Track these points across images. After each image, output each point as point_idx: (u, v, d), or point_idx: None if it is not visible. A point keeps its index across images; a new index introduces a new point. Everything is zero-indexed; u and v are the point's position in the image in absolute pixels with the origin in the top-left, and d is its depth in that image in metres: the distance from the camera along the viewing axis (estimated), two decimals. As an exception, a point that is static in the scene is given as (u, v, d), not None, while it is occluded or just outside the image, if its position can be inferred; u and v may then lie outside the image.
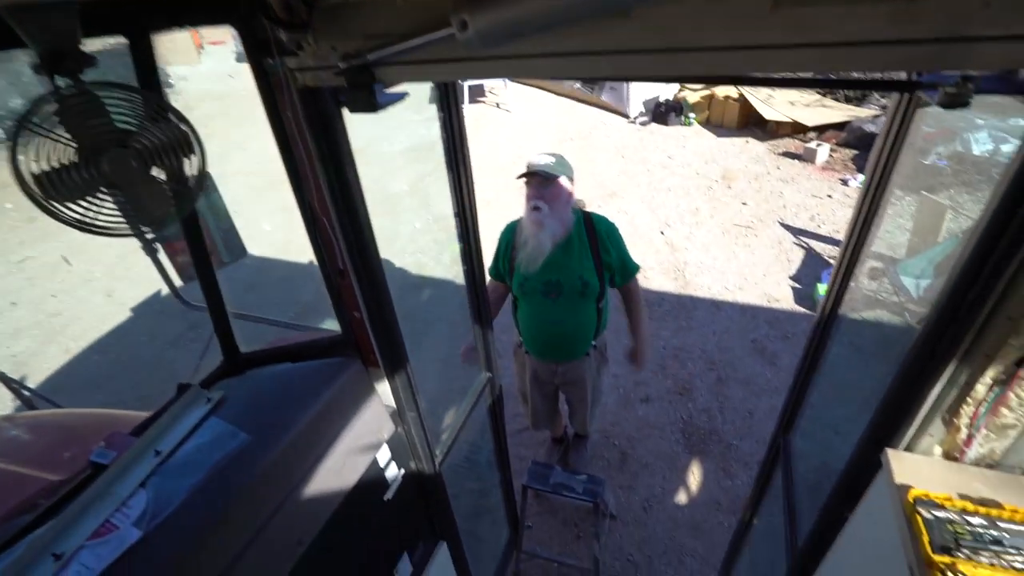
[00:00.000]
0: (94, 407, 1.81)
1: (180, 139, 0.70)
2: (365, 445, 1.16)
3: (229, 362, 1.15)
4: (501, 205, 5.71)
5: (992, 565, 0.65)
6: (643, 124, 7.29)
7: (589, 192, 5.73)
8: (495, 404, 1.79)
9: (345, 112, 0.85)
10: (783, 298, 3.97)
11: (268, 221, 5.45)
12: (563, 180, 1.87)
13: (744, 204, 5.22)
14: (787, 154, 6.11)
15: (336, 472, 1.08)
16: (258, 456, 0.94)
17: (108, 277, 5.19)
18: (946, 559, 0.65)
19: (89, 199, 0.66)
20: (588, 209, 2.06)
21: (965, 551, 0.66)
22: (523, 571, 2.43)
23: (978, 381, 0.74)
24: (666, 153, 6.45)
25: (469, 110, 8.19)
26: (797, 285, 4.08)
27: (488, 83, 8.89)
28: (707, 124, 7.14)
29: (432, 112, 1.27)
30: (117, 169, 0.64)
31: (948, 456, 0.81)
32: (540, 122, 7.75)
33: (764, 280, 4.17)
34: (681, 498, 2.70)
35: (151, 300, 4.71)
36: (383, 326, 1.05)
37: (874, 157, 0.95)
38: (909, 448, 0.81)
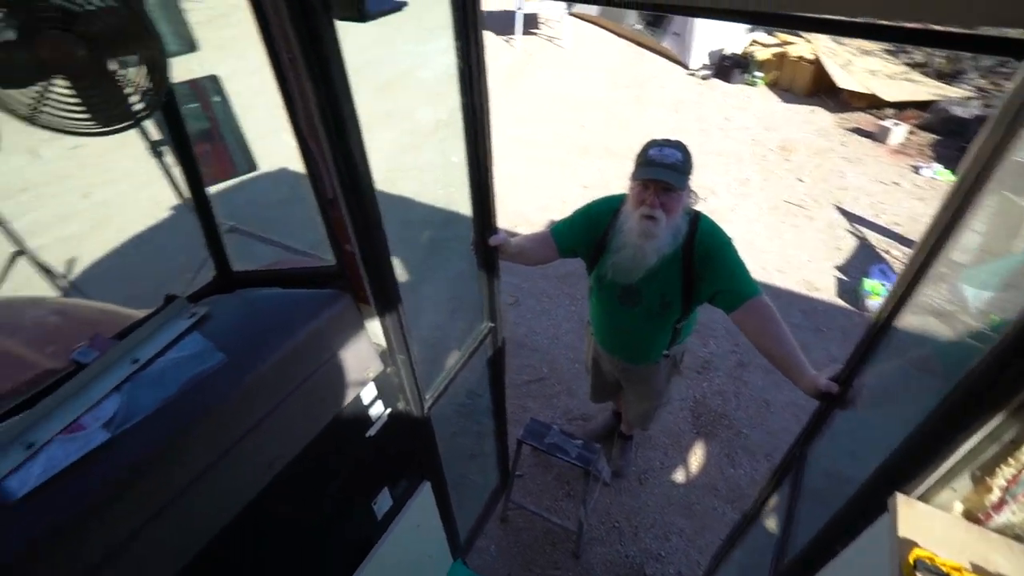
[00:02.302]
0: (119, 302, 1.85)
1: (133, 31, 0.61)
2: (350, 380, 1.12)
3: (220, 279, 1.11)
4: (543, 145, 5.48)
5: None
6: (704, 78, 6.77)
7: (637, 148, 5.42)
8: (496, 355, 1.74)
9: (342, 26, 0.73)
10: (824, 288, 3.73)
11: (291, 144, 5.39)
12: (685, 189, 1.56)
13: (800, 180, 4.85)
14: (857, 130, 5.60)
15: (315, 404, 1.05)
16: (234, 377, 0.91)
17: (151, 173, 5.28)
18: None
19: (39, 91, 0.59)
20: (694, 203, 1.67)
21: None
22: (510, 519, 2.48)
23: None
24: (723, 114, 5.99)
25: (521, 41, 7.75)
26: (842, 277, 3.82)
27: (544, 14, 8.36)
28: (774, 86, 6.58)
29: (486, 39, 1.12)
30: (59, 56, 0.55)
31: (970, 517, 0.69)
32: (594, 63, 7.28)
33: (807, 266, 3.91)
34: (679, 477, 2.67)
35: (188, 202, 4.78)
36: (374, 264, 0.98)
37: (978, 145, 0.77)
38: (924, 498, 0.70)
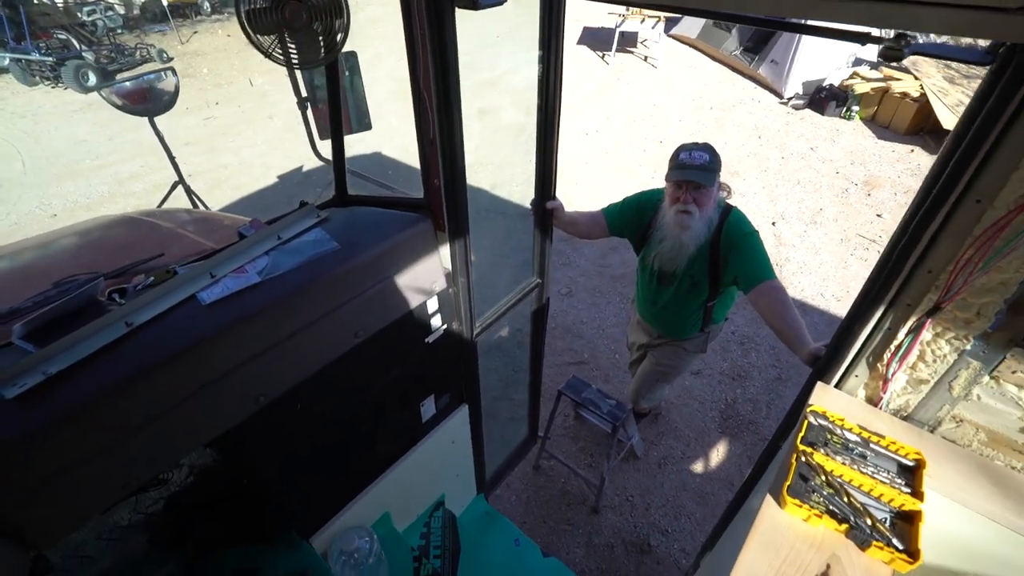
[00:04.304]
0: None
1: (334, 5, 0.97)
2: (421, 288, 1.45)
3: (338, 197, 1.49)
4: (620, 156, 5.72)
5: (841, 463, 0.75)
6: (796, 107, 6.68)
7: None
8: (540, 310, 2.02)
9: (460, 13, 1.06)
10: (883, 320, 3.67)
11: (397, 122, 6.00)
12: (714, 187, 1.78)
13: (879, 216, 4.73)
14: (955, 174, 5.34)
15: (393, 297, 1.39)
16: (340, 260, 1.26)
17: (267, 145, 6.09)
18: (808, 449, 0.76)
19: (274, 37, 0.96)
20: (726, 197, 1.89)
21: (827, 449, 0.77)
22: (542, 467, 2.74)
23: (900, 329, 0.80)
24: (809, 144, 5.92)
25: (615, 58, 8.01)
26: (905, 312, 3.74)
27: (642, 33, 8.57)
28: (871, 122, 6.37)
29: (576, 54, 1.43)
30: (292, 16, 0.91)
31: (870, 401, 0.88)
32: (685, 84, 7.40)
33: (869, 297, 3.86)
34: (697, 467, 2.80)
35: (293, 173, 5.49)
36: (454, 197, 1.30)
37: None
38: (838, 386, 0.90)
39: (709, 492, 2.68)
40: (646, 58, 8.18)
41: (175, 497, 1.37)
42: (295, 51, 0.97)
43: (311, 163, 5.48)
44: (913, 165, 5.52)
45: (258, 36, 0.93)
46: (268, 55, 0.95)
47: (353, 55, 1.78)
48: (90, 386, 0.92)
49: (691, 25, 8.62)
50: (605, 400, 2.31)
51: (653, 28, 7.99)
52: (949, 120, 5.58)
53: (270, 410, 1.20)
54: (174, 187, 3.51)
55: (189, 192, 3.53)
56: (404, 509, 1.87)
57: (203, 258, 1.25)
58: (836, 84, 6.72)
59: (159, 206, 3.41)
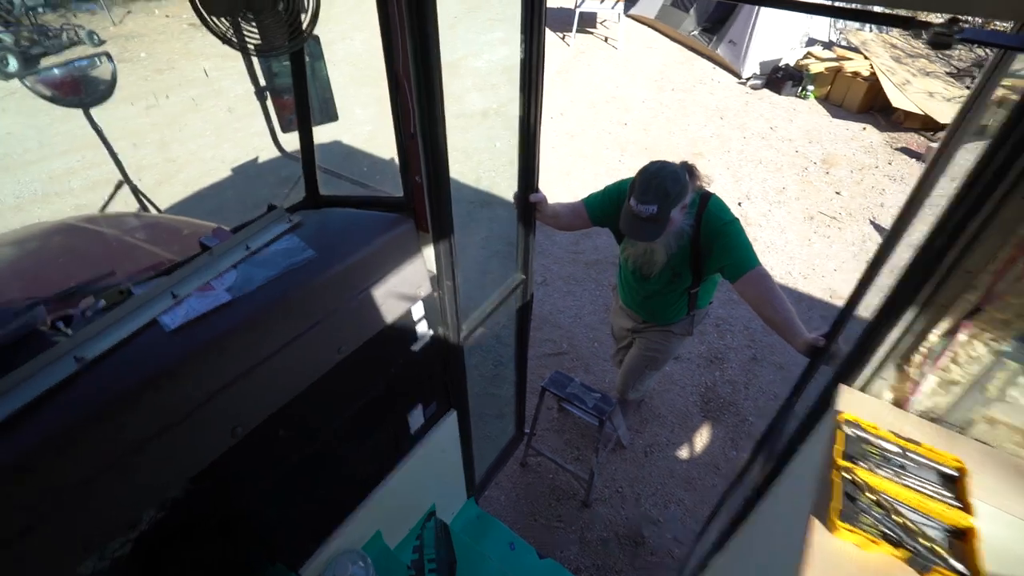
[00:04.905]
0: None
1: None
2: (405, 294, 1.35)
3: (310, 197, 1.35)
4: (585, 139, 5.66)
5: (884, 478, 0.72)
6: (754, 87, 6.78)
7: (675, 149, 5.54)
8: (524, 308, 1.95)
9: None
10: (846, 297, 3.79)
11: (361, 111, 5.73)
12: (675, 213, 1.67)
13: (838, 193, 4.87)
14: (905, 150, 5.55)
15: (377, 306, 1.28)
16: (317, 270, 1.14)
17: (216, 135, 5.71)
18: (849, 464, 0.73)
19: (232, 19, 0.83)
20: (703, 184, 1.81)
21: (868, 463, 0.74)
22: (529, 464, 2.69)
23: (932, 331, 0.77)
24: (769, 123, 6.02)
25: (575, 39, 7.90)
26: (868, 287, 3.87)
27: (601, 14, 8.48)
28: (825, 100, 6.54)
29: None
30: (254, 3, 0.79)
31: (897, 403, 0.86)
32: (646, 65, 7.38)
33: (833, 275, 3.98)
34: (683, 453, 2.83)
35: (248, 166, 5.18)
36: (437, 193, 1.20)
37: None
38: (863, 389, 0.87)
39: (696, 477, 2.71)
40: (606, 39, 8.11)
41: (144, 539, 1.24)
42: (256, 36, 0.84)
43: (267, 154, 5.18)
44: (866, 143, 5.71)
45: (213, 18, 0.80)
46: (225, 40, 0.82)
47: (316, 39, 1.62)
48: (33, 436, 0.79)
49: (649, 5, 8.59)
50: (590, 394, 2.28)
51: (613, 8, 7.91)
52: (898, 98, 5.79)
53: (248, 441, 1.09)
54: (119, 186, 3.20)
55: (136, 192, 3.24)
56: (395, 524, 1.78)
57: (161, 273, 1.11)
58: (792, 64, 6.85)
59: (102, 209, 3.11)
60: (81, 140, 5.32)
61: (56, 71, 2.54)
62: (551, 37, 8.05)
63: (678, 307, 2.09)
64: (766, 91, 6.72)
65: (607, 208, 2.01)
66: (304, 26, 0.89)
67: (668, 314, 2.14)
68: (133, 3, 10.39)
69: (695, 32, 7.80)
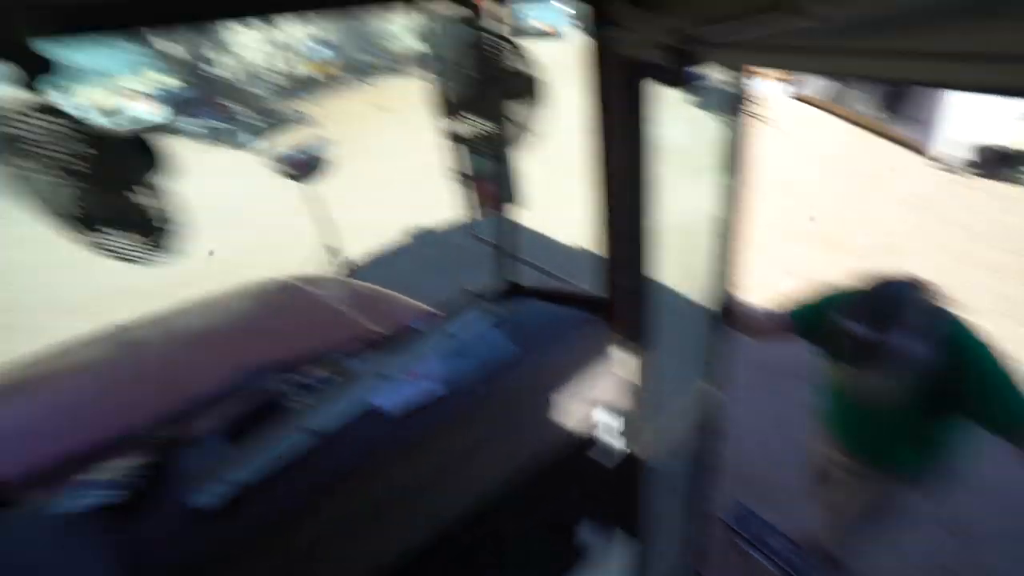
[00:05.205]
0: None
1: (527, 89, 0.91)
2: (600, 401, 1.26)
3: (506, 288, 1.38)
4: (759, 232, 5.30)
5: None
6: (957, 170, 5.85)
7: (868, 247, 4.84)
8: (714, 425, 1.73)
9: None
10: None
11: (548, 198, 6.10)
12: (907, 339, 1.34)
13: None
14: None
15: (570, 412, 1.20)
16: (519, 369, 1.12)
17: (394, 205, 6.44)
18: None
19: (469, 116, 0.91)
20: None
21: None
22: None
23: None
24: (986, 216, 5.09)
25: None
26: None
27: (767, 94, 8.23)
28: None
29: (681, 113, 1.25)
30: (490, 101, 0.89)
31: None
32: (817, 148, 6.86)
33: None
34: None
35: (425, 235, 5.66)
36: (646, 299, 1.13)
37: None
38: None
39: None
40: (766, 120, 7.77)
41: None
42: (484, 131, 0.90)
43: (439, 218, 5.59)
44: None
45: (451, 116, 0.87)
46: (459, 139, 0.89)
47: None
48: (274, 503, 0.83)
49: (820, 85, 8.12)
50: (781, 540, 1.89)
51: (779, 90, 7.63)
52: None
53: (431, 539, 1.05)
54: (329, 250, 3.72)
55: (334, 254, 3.72)
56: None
57: (367, 346, 1.17)
58: (1006, 143, 5.81)
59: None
60: (285, 203, 6.41)
61: (297, 153, 3.11)
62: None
63: (910, 453, 1.68)
64: (972, 174, 5.77)
65: (817, 324, 1.73)
66: (528, 125, 0.94)
67: (895, 460, 1.75)
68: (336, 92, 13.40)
69: (870, 110, 7.11)
